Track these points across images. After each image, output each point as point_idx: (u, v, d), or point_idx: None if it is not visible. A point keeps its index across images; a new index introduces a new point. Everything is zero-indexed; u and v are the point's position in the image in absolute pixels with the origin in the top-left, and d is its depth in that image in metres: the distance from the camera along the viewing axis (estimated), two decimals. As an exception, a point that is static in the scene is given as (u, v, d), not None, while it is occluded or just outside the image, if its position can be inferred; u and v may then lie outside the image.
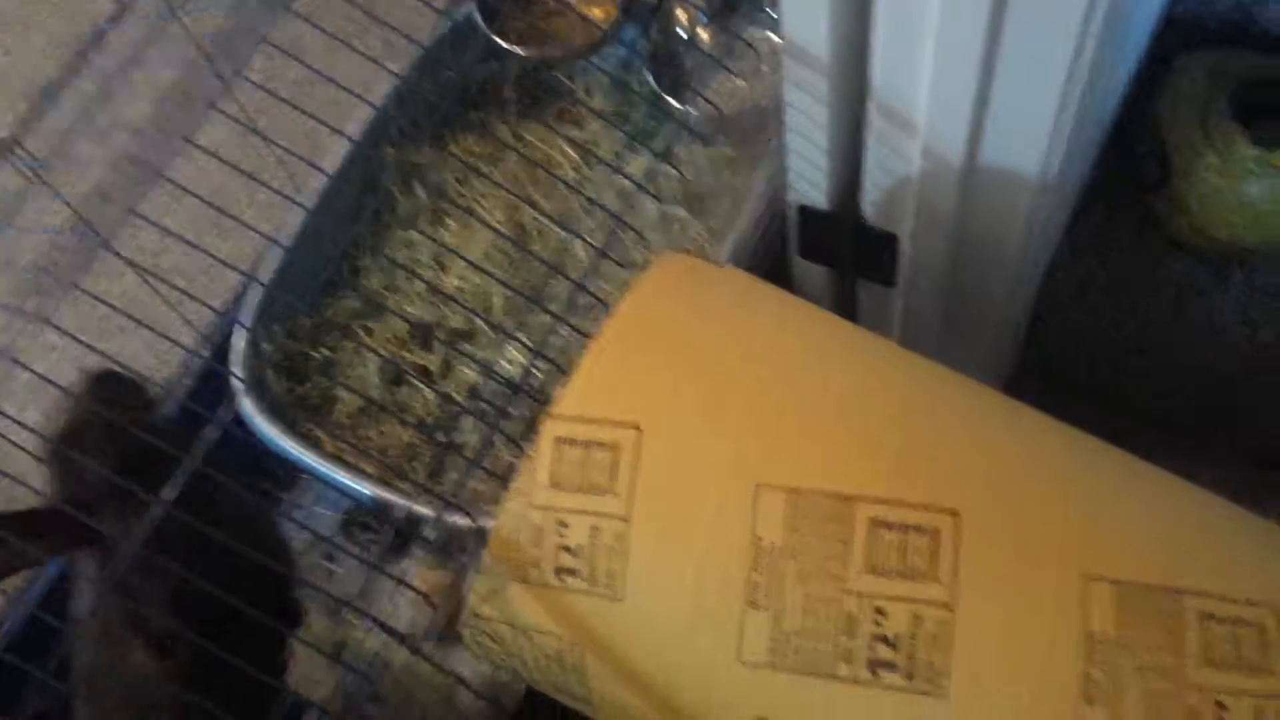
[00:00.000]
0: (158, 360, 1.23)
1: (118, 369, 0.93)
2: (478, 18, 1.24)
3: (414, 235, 1.28)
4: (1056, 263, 1.13)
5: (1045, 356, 1.19)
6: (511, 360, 1.18)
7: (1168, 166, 1.07)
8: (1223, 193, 1.03)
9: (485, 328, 1.21)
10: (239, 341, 1.16)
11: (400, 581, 0.78)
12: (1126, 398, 1.18)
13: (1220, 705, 0.64)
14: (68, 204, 0.73)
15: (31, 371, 0.71)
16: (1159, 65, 1.13)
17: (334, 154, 1.25)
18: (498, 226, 1.25)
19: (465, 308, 1.20)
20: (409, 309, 1.25)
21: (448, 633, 1.04)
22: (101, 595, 0.84)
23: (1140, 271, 1.12)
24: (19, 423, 0.79)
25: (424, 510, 0.98)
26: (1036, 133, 0.81)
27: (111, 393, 0.91)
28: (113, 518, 0.84)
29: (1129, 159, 1.13)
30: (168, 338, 0.86)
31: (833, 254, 1.08)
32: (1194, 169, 1.04)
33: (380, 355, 1.22)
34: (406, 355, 1.23)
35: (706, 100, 1.20)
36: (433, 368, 1.22)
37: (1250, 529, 0.74)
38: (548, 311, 0.82)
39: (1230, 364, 1.09)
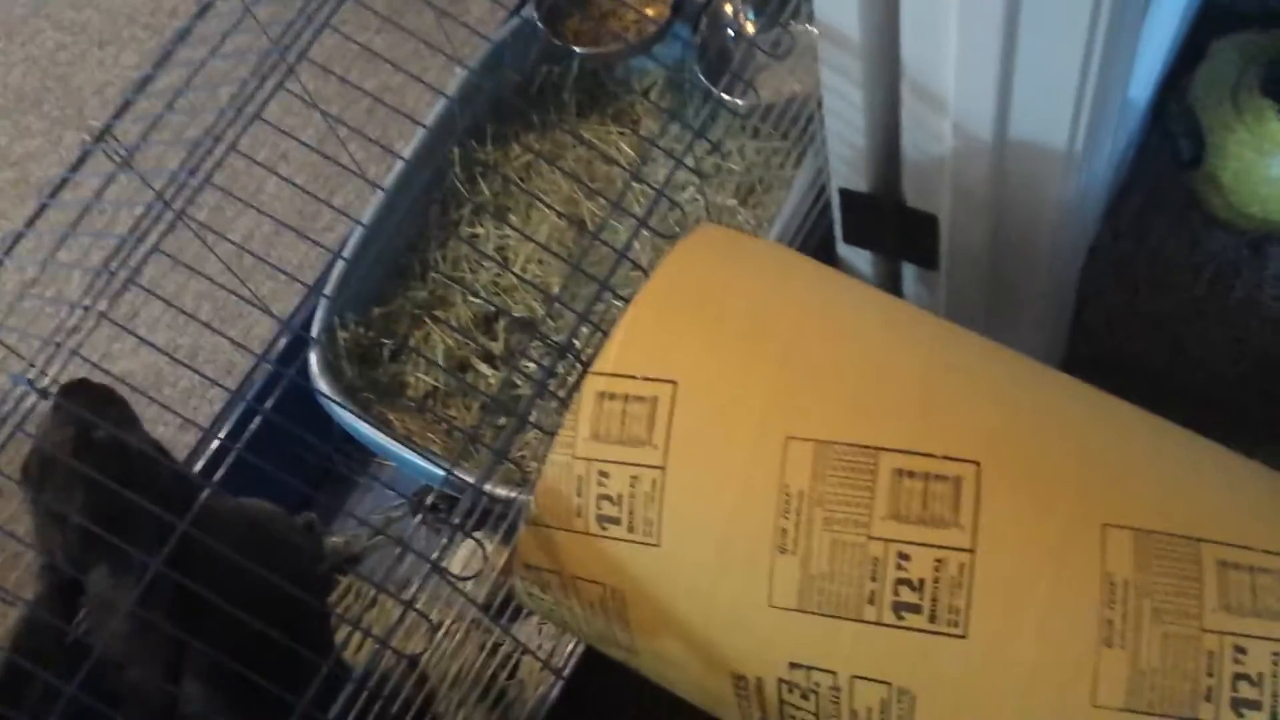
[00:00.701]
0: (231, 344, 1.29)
1: (88, 380, 0.82)
2: (535, 17, 1.30)
3: (479, 229, 1.35)
4: (1096, 245, 1.14)
5: (1089, 340, 1.19)
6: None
7: (1202, 144, 1.08)
8: (1254, 168, 1.04)
9: (545, 315, 1.26)
10: (320, 322, 1.22)
11: (466, 533, 0.82)
12: (1175, 380, 1.18)
13: (1239, 649, 0.65)
14: (150, 187, 0.79)
15: (130, 333, 0.76)
16: (1196, 49, 1.14)
17: (405, 149, 1.31)
18: (559, 215, 1.30)
19: (532, 285, 1.25)
20: (474, 298, 1.31)
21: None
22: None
23: (1178, 250, 1.12)
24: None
25: (488, 487, 1.03)
26: (1061, 104, 0.83)
27: (89, 412, 0.79)
28: (106, 571, 0.79)
29: (1167, 140, 1.14)
30: (261, 307, 0.89)
31: (875, 237, 1.09)
32: (1226, 145, 1.05)
33: (447, 342, 1.28)
34: (472, 342, 1.29)
35: (755, 92, 1.24)
36: (496, 352, 1.27)
37: (1274, 486, 0.75)
38: (602, 284, 0.86)
39: (1269, 341, 1.09)
